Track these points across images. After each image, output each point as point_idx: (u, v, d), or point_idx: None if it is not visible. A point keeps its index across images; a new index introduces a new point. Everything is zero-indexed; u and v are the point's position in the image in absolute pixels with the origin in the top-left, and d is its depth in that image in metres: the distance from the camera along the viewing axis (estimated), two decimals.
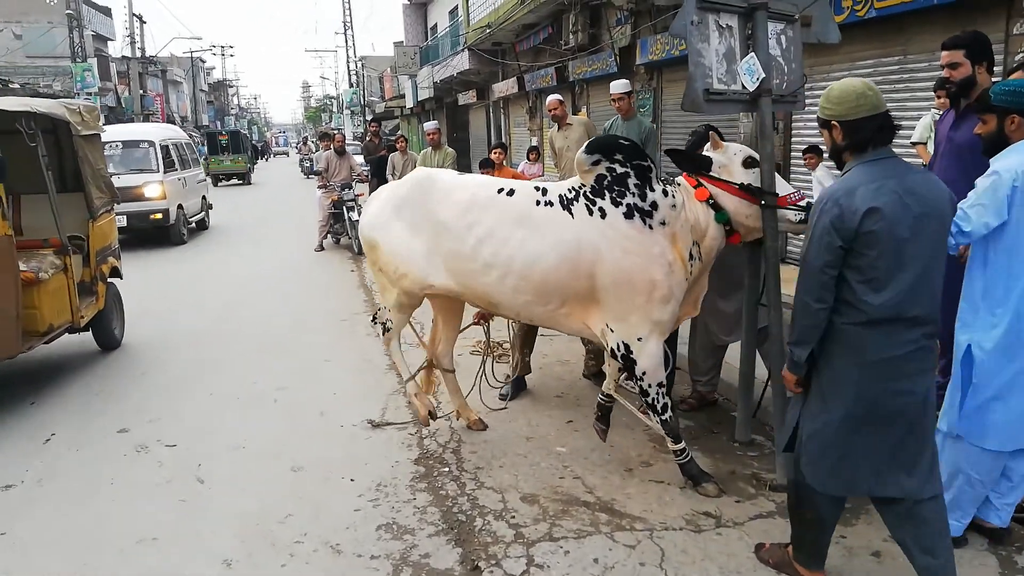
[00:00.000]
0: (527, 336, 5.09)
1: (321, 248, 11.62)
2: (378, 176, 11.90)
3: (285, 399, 5.15)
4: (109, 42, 36.87)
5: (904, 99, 6.28)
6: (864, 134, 2.48)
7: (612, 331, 3.60)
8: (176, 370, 5.84)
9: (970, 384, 2.91)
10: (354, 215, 11.00)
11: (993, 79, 3.48)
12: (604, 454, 4.10)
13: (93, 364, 6.07)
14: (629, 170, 3.62)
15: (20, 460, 4.30)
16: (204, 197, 15.28)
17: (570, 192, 3.67)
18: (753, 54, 3.65)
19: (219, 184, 28.46)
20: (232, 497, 3.79)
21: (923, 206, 2.41)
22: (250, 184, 29.30)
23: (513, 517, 3.48)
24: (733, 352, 4.84)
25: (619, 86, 6.43)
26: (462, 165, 10.84)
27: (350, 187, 11.74)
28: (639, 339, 3.56)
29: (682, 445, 3.73)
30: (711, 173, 3.64)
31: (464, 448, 4.25)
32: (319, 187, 11.89)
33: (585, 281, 3.56)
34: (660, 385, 3.65)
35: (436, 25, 29.07)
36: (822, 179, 6.52)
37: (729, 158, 3.64)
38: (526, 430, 4.47)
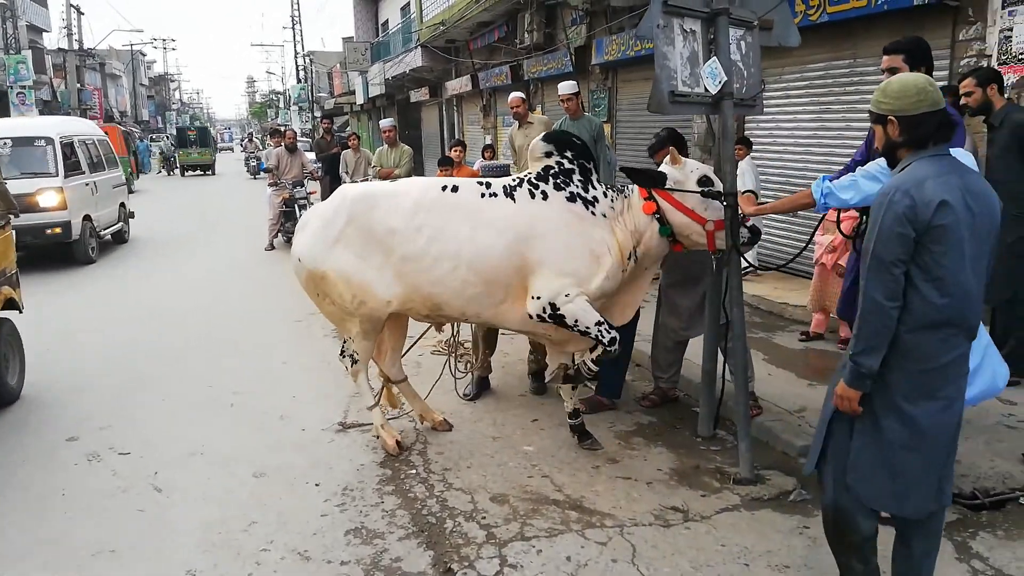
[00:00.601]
0: (488, 335, 5.08)
1: (272, 247, 11.39)
2: (331, 174, 11.75)
3: (242, 403, 5.03)
4: (44, 34, 35.48)
5: (854, 102, 6.46)
6: (925, 130, 2.36)
7: (538, 297, 3.71)
8: (123, 376, 5.64)
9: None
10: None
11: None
12: (571, 452, 4.12)
13: (31, 372, 5.82)
14: (575, 167, 3.89)
15: None
16: (123, 205, 12.93)
17: (514, 181, 3.89)
18: (715, 58, 3.73)
19: (186, 174, 33.06)
20: (192, 506, 3.69)
21: (980, 206, 2.33)
22: (214, 174, 33.68)
23: (484, 518, 3.47)
24: (694, 349, 4.92)
25: (567, 87, 6.50)
26: (415, 163, 10.75)
27: (302, 185, 11.55)
28: (566, 295, 3.68)
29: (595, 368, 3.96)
30: (666, 187, 3.75)
31: (430, 450, 4.22)
32: (269, 185, 11.67)
33: (525, 259, 3.71)
34: (599, 323, 3.72)
35: (387, 21, 28.77)
36: (746, 171, 6.72)
37: (686, 175, 3.78)
38: (492, 430, 4.46)
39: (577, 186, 3.84)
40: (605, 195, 3.89)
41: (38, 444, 4.46)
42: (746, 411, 3.82)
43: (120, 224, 12.64)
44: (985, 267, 2.38)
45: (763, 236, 4.17)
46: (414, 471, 3.97)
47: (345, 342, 4.23)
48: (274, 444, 4.33)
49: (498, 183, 3.91)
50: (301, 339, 6.57)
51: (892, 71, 3.77)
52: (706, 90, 3.75)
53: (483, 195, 3.84)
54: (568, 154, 3.90)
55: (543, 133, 4.12)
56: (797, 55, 6.36)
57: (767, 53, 3.99)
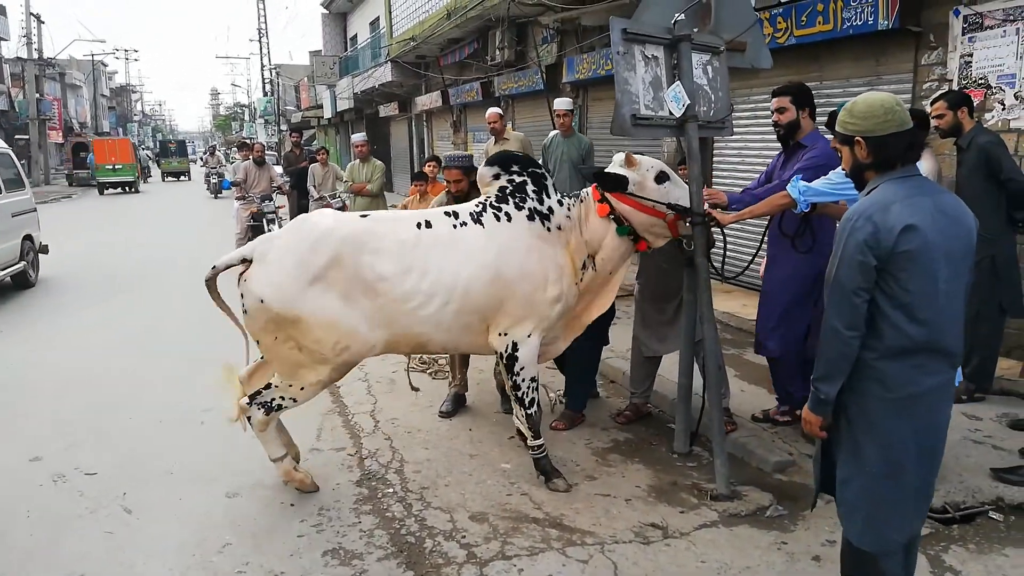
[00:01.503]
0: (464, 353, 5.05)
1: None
2: (299, 188, 11.64)
3: (212, 420, 4.91)
4: (3, 42, 34.69)
5: (819, 123, 6.60)
6: (892, 151, 2.29)
7: (503, 334, 3.80)
8: (90, 391, 5.51)
9: None
10: (274, 227, 10.69)
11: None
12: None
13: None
14: (526, 178, 3.92)
15: None
16: (29, 238, 9.84)
17: (477, 207, 3.88)
18: (679, 82, 3.82)
19: (166, 180, 38.21)
20: (164, 526, 3.60)
21: (954, 227, 2.27)
22: (190, 179, 38.09)
23: (464, 537, 3.45)
24: (668, 365, 4.96)
25: (563, 103, 6.61)
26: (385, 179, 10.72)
27: (270, 199, 11.40)
28: (528, 335, 3.80)
29: (540, 441, 3.94)
30: (628, 191, 3.81)
31: (407, 468, 4.18)
32: (237, 198, 11.51)
33: (500, 290, 3.72)
34: (533, 380, 3.88)
35: (356, 36, 28.73)
36: None
37: (643, 174, 3.86)
38: (469, 447, 4.44)
39: (532, 199, 3.87)
40: (561, 203, 3.93)
41: (1, 463, 4.32)
42: (721, 427, 3.86)
43: (21, 264, 9.47)
44: (964, 288, 2.31)
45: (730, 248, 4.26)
46: (391, 490, 3.94)
47: (264, 390, 3.78)
48: (247, 463, 4.25)
49: (464, 210, 3.88)
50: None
51: (780, 111, 4.16)
52: (670, 113, 3.84)
53: (455, 226, 3.79)
54: (515, 168, 3.94)
55: (489, 158, 4.13)
56: (765, 76, 6.50)
57: (736, 74, 4.09)
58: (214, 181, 26.39)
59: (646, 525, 3.53)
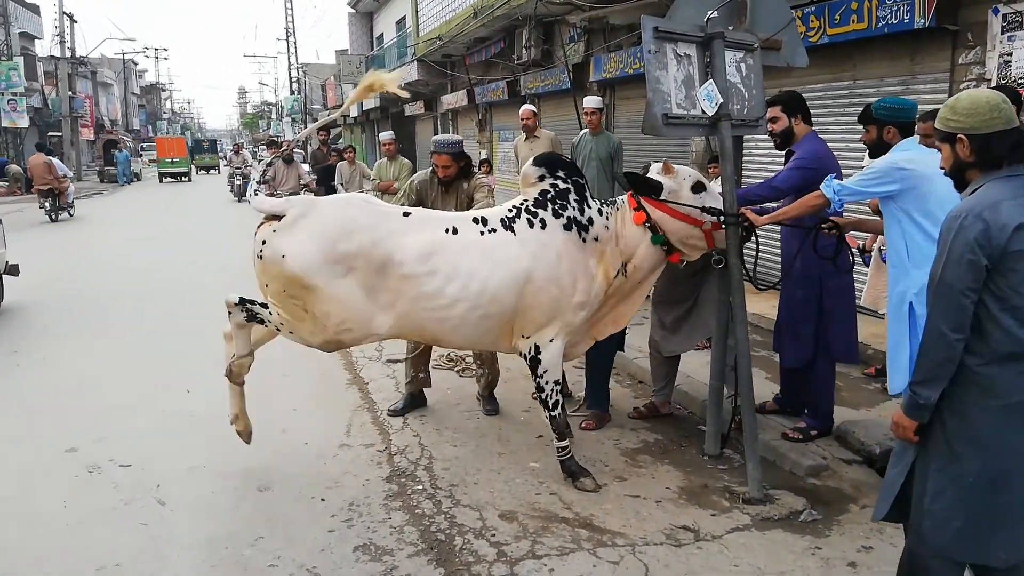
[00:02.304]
0: (424, 352, 4.98)
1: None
2: (325, 185, 11.71)
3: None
4: (37, 41, 35.31)
5: (853, 123, 6.50)
6: (998, 151, 2.22)
7: (526, 336, 3.84)
8: (120, 387, 5.58)
9: (916, 336, 2.97)
10: None
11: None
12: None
13: (26, 381, 5.76)
14: (570, 186, 3.91)
15: None
16: None
17: (510, 212, 3.86)
18: (711, 80, 3.79)
19: (198, 173, 40.71)
20: (197, 520, 3.63)
21: None
22: (219, 172, 39.82)
23: (493, 535, 3.45)
24: (697, 366, 4.94)
25: (593, 101, 6.59)
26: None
27: (297, 195, 11.51)
28: (551, 340, 3.84)
29: (566, 442, 3.96)
30: (661, 198, 3.83)
31: (436, 465, 4.19)
32: (266, 194, 11.64)
33: (526, 297, 3.74)
34: (556, 383, 3.91)
35: (383, 35, 28.86)
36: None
37: (679, 183, 3.87)
38: (497, 446, 4.44)
39: (573, 207, 3.85)
40: (600, 213, 3.92)
41: (38, 454, 4.39)
42: (754, 430, 3.82)
43: None
44: None
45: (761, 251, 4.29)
46: (420, 487, 3.94)
47: (259, 306, 3.81)
48: (277, 458, 4.28)
49: (493, 216, 3.87)
50: (299, 352, 6.45)
51: (773, 120, 4.25)
52: (703, 112, 3.81)
53: (482, 232, 3.78)
54: (560, 174, 3.92)
55: (533, 157, 4.11)
56: (797, 75, 6.40)
57: (767, 73, 4.07)
58: (238, 183, 22.68)
59: (677, 527, 3.50)
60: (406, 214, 3.85)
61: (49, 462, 4.29)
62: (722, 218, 3.80)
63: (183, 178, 35.02)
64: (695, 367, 4.96)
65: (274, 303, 3.77)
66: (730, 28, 3.96)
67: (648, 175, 3.93)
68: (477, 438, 4.55)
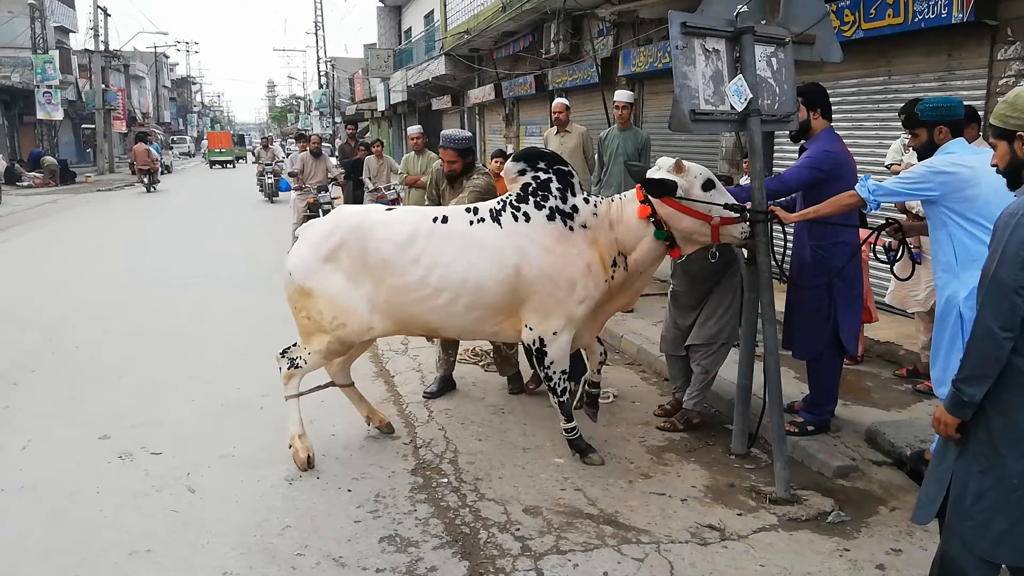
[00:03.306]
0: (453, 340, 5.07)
1: None
2: (353, 179, 11.79)
3: (271, 406, 5.02)
4: (71, 34, 35.92)
5: (888, 119, 6.42)
6: None
7: (531, 328, 3.93)
8: (152, 374, 5.67)
9: (963, 338, 2.98)
10: None
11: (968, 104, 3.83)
12: (603, 466, 4.08)
13: (62, 368, 5.87)
14: (551, 175, 3.96)
15: (1, 466, 4.13)
16: None
17: (498, 204, 3.98)
18: (740, 76, 3.74)
19: (224, 167, 41.27)
20: (226, 507, 3.69)
21: None
22: (247, 163, 41.10)
23: (518, 529, 3.46)
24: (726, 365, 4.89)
25: (624, 96, 6.54)
26: None
27: (326, 190, 11.60)
28: (554, 333, 3.91)
29: (573, 424, 4.13)
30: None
31: (461, 459, 4.20)
32: (294, 189, 11.74)
33: (517, 288, 3.85)
34: (563, 372, 4.03)
35: (411, 29, 28.95)
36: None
37: (690, 181, 3.86)
38: (522, 440, 4.44)
39: (556, 197, 3.91)
40: (587, 201, 3.97)
41: (72, 441, 4.48)
42: (781, 429, 3.79)
43: None
44: None
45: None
46: (445, 480, 3.96)
47: (292, 347, 4.19)
48: None
49: (483, 208, 3.99)
50: None
51: None
52: (732, 108, 3.76)
53: (471, 222, 3.92)
54: (541, 165, 3.99)
55: (515, 153, 4.20)
56: (830, 71, 6.32)
57: (799, 67, 4.01)
58: (269, 181, 19.69)
59: (703, 526, 3.48)
60: (389, 210, 4.14)
61: (83, 448, 4.38)
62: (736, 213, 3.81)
63: (227, 164, 40.76)
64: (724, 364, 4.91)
65: (296, 323, 4.14)
66: (762, 22, 3.91)
67: (658, 172, 3.88)
68: (502, 432, 4.56)
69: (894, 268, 4.18)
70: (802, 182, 4.01)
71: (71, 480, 3.97)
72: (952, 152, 3.30)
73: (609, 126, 8.75)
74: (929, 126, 3.45)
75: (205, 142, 47.32)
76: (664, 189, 3.79)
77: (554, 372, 3.99)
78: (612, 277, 3.96)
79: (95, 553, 3.29)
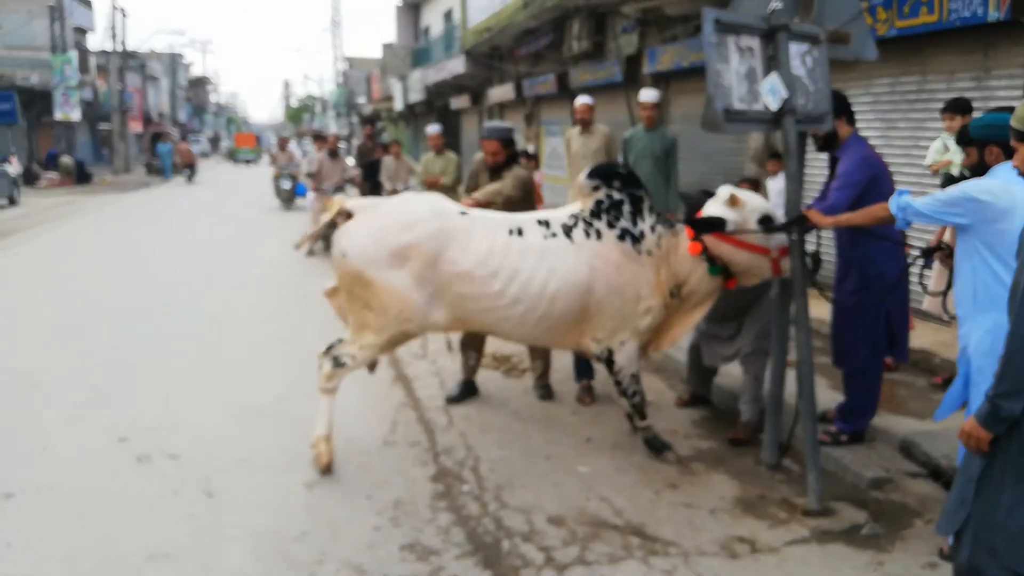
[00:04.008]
0: (474, 339, 5.05)
1: (311, 253, 11.37)
2: (371, 180, 11.71)
3: (289, 411, 4.94)
4: (88, 34, 36.17)
5: (923, 119, 6.28)
6: None
7: (599, 341, 4.04)
8: (171, 377, 5.62)
9: (965, 384, 2.93)
10: None
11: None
12: (629, 475, 4.00)
13: (82, 369, 5.84)
14: (624, 198, 4.05)
15: (17, 468, 4.10)
16: None
17: (570, 220, 4.04)
18: (775, 74, 3.63)
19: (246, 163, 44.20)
20: (244, 512, 3.63)
21: None
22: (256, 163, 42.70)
23: (541, 540, 3.37)
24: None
25: (651, 95, 6.46)
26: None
27: (343, 190, 11.56)
28: (621, 343, 4.03)
29: (648, 422, 4.23)
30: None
31: (482, 466, 4.12)
32: (312, 190, 11.73)
33: (587, 302, 3.94)
34: (633, 376, 4.11)
35: (429, 27, 28.93)
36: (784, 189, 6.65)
37: (745, 216, 3.85)
38: (544, 448, 4.35)
39: (627, 219, 3.99)
40: (653, 229, 4.03)
41: (91, 443, 4.44)
42: (814, 439, 3.67)
43: None
44: None
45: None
46: (467, 487, 3.88)
47: (337, 344, 4.03)
48: None
49: (556, 221, 4.04)
50: None
51: None
52: (766, 107, 3.66)
53: (545, 236, 3.97)
54: (616, 184, 4.06)
55: (588, 169, 4.22)
56: (863, 70, 6.20)
57: (830, 67, 3.91)
58: (285, 187, 17.17)
59: (732, 538, 3.38)
60: (463, 213, 4.03)
61: (102, 450, 4.34)
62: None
63: (250, 162, 43.85)
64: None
65: (348, 312, 4.05)
66: (795, 19, 3.80)
67: (712, 206, 3.90)
68: (523, 440, 4.47)
69: (928, 282, 4.05)
70: (849, 201, 3.84)
71: (90, 482, 3.93)
72: (997, 177, 2.97)
73: (633, 126, 8.65)
74: (979, 145, 3.13)
75: (225, 142, 52.05)
76: (709, 227, 3.78)
77: (623, 378, 4.09)
78: (666, 302, 4.07)
79: (115, 556, 3.25)
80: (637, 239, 3.97)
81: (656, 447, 4.17)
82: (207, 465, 4.11)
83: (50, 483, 3.91)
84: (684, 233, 4.00)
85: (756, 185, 7.57)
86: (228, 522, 3.54)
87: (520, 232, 3.95)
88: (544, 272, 3.85)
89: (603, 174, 4.10)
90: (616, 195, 4.02)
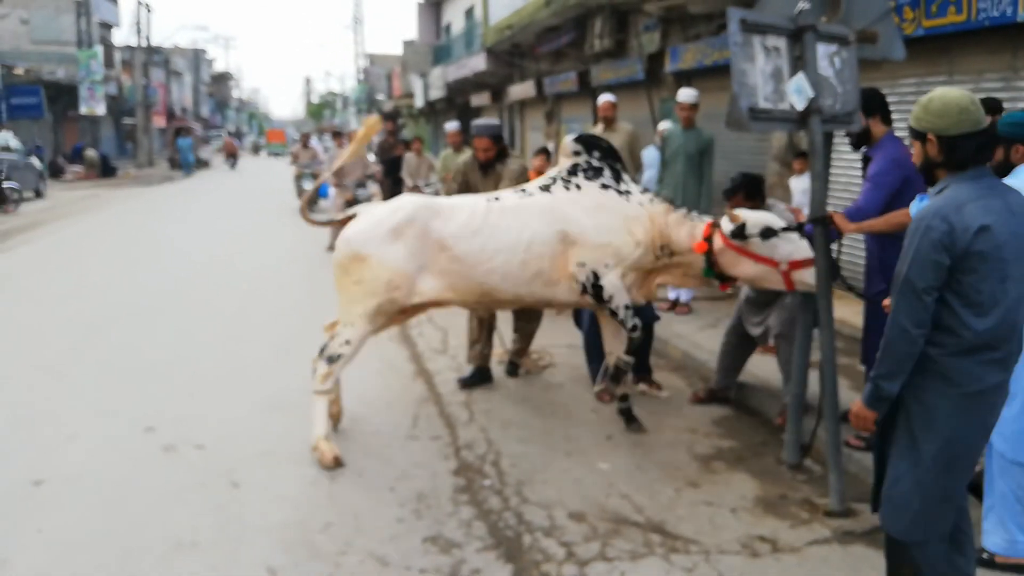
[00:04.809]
0: (485, 327, 5.31)
1: (333, 248, 11.46)
2: (392, 176, 11.75)
3: (313, 404, 5.00)
4: (113, 29, 36.55)
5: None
6: (963, 152, 2.33)
7: (583, 264, 4.17)
8: (196, 369, 5.71)
9: None
10: None
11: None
12: (649, 473, 4.00)
13: (107, 361, 5.94)
14: (603, 166, 4.33)
15: (46, 456, 4.18)
16: None
17: (548, 180, 4.36)
18: (801, 73, 3.63)
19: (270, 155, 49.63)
20: (269, 503, 3.68)
21: (1022, 226, 2.32)
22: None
23: (563, 535, 3.39)
24: (772, 368, 4.77)
25: (689, 96, 6.48)
26: None
27: (364, 186, 11.61)
28: (606, 266, 4.15)
29: (630, 360, 4.50)
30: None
31: (503, 461, 4.14)
32: (333, 186, 11.78)
33: (567, 235, 4.16)
34: (627, 307, 4.24)
35: (450, 25, 28.96)
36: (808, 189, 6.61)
37: (748, 231, 3.98)
38: (565, 444, 4.37)
39: (608, 179, 4.28)
40: (643, 193, 4.31)
41: (118, 432, 4.51)
42: (837, 440, 3.66)
43: None
44: None
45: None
46: (488, 482, 3.91)
47: (328, 343, 4.22)
48: (346, 446, 4.29)
49: (531, 185, 4.40)
50: (369, 343, 6.43)
51: None
52: (791, 107, 3.65)
53: (522, 197, 4.31)
54: (595, 154, 4.33)
55: (579, 135, 4.49)
56: (888, 70, 6.13)
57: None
58: (306, 187, 14.48)
59: (754, 537, 3.38)
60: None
61: (128, 441, 4.41)
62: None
63: (279, 155, 46.53)
64: (773, 369, 4.79)
65: (339, 297, 4.29)
66: (822, 19, 3.78)
67: (767, 216, 4.07)
68: (544, 435, 4.49)
69: None
70: (879, 203, 3.82)
71: (116, 472, 4.00)
72: (1020, 176, 2.99)
73: (654, 124, 8.63)
74: (1006, 143, 3.08)
75: (249, 138, 60.02)
76: (741, 233, 3.97)
77: (616, 307, 4.22)
78: (658, 257, 4.25)
79: (141, 545, 3.30)
80: (622, 193, 4.23)
81: (628, 417, 4.49)
82: (232, 456, 4.17)
83: (78, 472, 3.98)
84: (700, 226, 4.15)
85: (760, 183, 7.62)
86: (253, 512, 3.59)
87: (498, 199, 4.34)
88: (519, 223, 4.17)
89: (586, 142, 4.37)
90: (595, 163, 4.29)
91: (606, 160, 4.33)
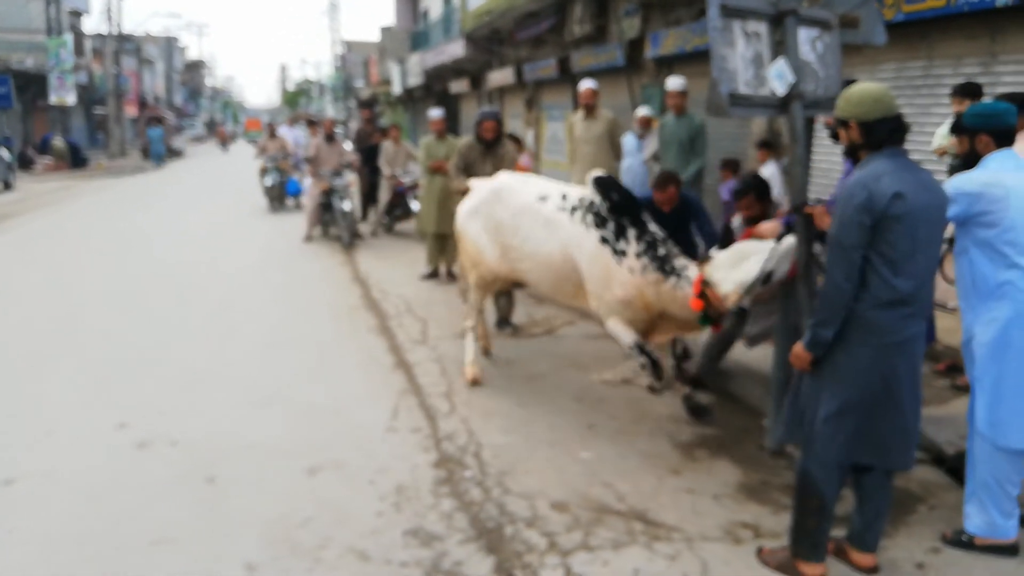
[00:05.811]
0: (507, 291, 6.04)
1: (310, 238, 11.34)
2: (369, 165, 11.60)
3: (292, 397, 4.95)
4: (84, 16, 35.80)
5: (928, 104, 6.23)
6: (878, 135, 2.72)
7: (595, 305, 4.44)
8: (176, 363, 5.62)
9: (971, 377, 3.13)
10: (345, 205, 10.70)
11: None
12: (631, 461, 4.00)
13: (86, 355, 5.83)
14: (609, 219, 4.28)
15: (20, 453, 4.10)
16: None
17: (580, 200, 4.47)
18: (782, 58, 3.59)
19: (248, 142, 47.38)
20: (248, 498, 3.63)
21: (931, 197, 2.69)
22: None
23: (545, 525, 3.37)
24: (754, 354, 4.77)
25: (678, 83, 6.45)
26: None
27: (340, 175, 11.45)
28: (604, 314, 4.38)
29: (644, 360, 4.38)
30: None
31: (484, 452, 4.12)
32: (309, 174, 11.62)
33: (576, 272, 4.42)
34: (635, 345, 4.30)
35: (428, 10, 28.67)
36: (771, 176, 6.65)
37: (719, 277, 3.91)
38: (547, 434, 4.34)
39: (609, 233, 4.27)
40: (638, 257, 4.13)
41: (94, 428, 4.43)
42: (782, 385, 3.67)
43: None
44: (937, 251, 2.78)
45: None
46: (469, 473, 3.88)
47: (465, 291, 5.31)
48: (328, 440, 4.25)
49: (573, 197, 4.52)
50: (345, 334, 6.42)
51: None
52: (772, 92, 3.62)
53: (559, 208, 4.52)
54: (606, 204, 4.33)
55: (595, 176, 4.49)
56: (868, 54, 6.14)
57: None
58: (269, 183, 14.15)
59: (736, 524, 3.38)
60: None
61: (107, 435, 4.33)
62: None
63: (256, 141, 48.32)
64: (757, 355, 4.79)
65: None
66: (803, 4, 3.75)
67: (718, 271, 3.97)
68: (526, 425, 4.47)
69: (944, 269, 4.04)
70: None
71: (95, 467, 3.93)
72: (988, 168, 3.04)
73: (633, 110, 8.59)
74: (971, 133, 3.14)
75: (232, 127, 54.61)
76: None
77: (623, 345, 4.37)
78: (650, 307, 4.26)
79: (121, 541, 3.26)
80: (617, 252, 4.22)
81: (695, 411, 4.49)
82: (211, 451, 4.11)
83: (54, 469, 3.91)
84: (690, 285, 3.93)
85: (736, 166, 7.57)
86: (233, 508, 3.54)
87: (544, 199, 4.60)
88: (543, 238, 4.52)
89: (603, 185, 4.41)
90: (603, 213, 4.32)
91: (614, 212, 4.28)
